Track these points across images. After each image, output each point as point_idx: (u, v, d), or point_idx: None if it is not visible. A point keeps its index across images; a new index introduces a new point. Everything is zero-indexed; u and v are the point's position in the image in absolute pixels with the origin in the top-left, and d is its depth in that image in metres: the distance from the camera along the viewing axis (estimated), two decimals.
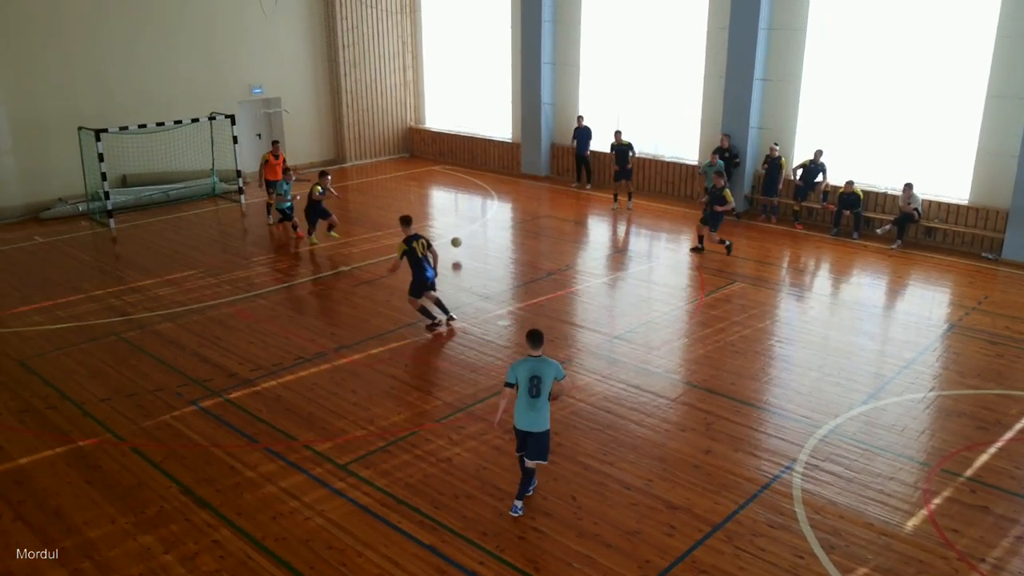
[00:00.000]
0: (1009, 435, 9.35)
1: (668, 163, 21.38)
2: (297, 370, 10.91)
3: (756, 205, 19.78)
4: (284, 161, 18.42)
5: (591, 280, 14.82)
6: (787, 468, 8.59)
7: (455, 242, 16.10)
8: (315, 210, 16.63)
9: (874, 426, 9.54)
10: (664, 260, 16.32)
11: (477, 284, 14.41)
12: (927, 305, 14.14)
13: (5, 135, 18.79)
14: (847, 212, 17.81)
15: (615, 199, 20.35)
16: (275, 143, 18.64)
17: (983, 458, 8.85)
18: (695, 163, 20.82)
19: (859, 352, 11.70)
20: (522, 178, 23.41)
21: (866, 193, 18.02)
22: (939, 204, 17.56)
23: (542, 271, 15.18)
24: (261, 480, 8.36)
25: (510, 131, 24.54)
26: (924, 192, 17.50)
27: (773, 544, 7.36)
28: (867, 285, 14.96)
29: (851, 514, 7.82)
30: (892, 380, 10.76)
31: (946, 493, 8.20)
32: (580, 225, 18.88)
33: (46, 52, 18.98)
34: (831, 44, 18.35)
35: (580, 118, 21.68)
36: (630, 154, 19.96)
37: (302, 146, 24.22)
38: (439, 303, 12.37)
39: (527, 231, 18.28)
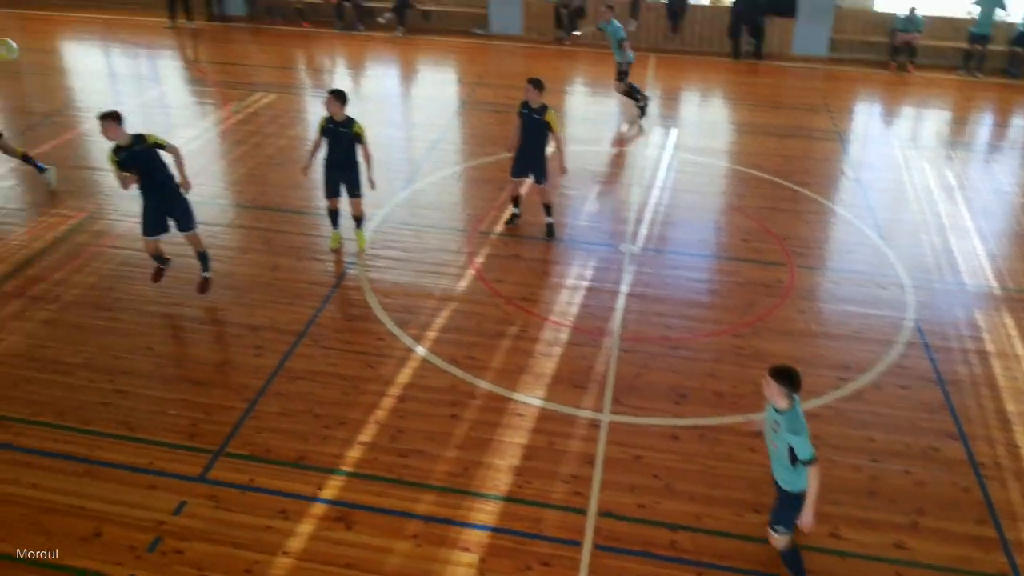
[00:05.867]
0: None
1: None
2: None
3: (259, 7, 18.98)
4: None
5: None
6: (350, 264, 9.11)
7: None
8: None
9: (417, 207, 10.44)
10: (172, 82, 15.12)
11: None
12: (439, 86, 15.29)
13: None
14: (347, 3, 18.01)
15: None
16: None
17: (506, 214, 10.28)
18: None
19: (390, 143, 12.41)
20: None
21: None
22: None
23: (37, 115, 13.09)
24: None
25: None
26: None
27: (356, 335, 7.91)
28: (383, 76, 15.62)
29: (415, 290, 8.67)
30: (424, 162, 11.70)
31: (485, 251, 9.46)
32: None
33: None
34: None
35: None
36: None
37: None
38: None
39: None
